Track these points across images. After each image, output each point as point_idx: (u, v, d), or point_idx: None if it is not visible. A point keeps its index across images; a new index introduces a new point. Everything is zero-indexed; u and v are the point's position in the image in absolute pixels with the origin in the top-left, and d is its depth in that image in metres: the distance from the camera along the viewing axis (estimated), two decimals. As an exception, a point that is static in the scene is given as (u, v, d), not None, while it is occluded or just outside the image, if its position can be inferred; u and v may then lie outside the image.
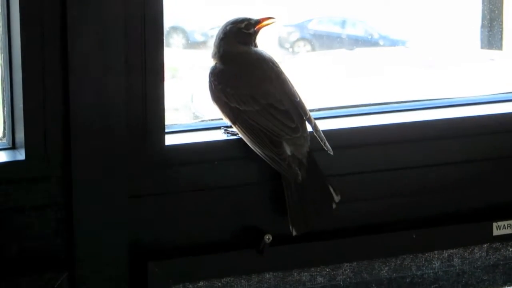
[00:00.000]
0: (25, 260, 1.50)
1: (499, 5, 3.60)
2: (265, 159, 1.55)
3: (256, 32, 1.61)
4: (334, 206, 1.57)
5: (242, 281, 1.62)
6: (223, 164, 1.58)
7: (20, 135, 1.47)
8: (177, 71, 2.67)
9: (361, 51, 4.21)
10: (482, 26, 3.66)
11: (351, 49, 4.14)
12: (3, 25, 1.47)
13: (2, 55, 1.49)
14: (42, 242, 1.50)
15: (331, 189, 1.56)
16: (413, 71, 3.62)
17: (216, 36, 1.61)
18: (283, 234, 1.57)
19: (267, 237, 1.54)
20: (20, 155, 1.48)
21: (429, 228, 1.66)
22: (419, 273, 1.72)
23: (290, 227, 1.55)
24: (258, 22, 1.59)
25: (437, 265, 1.70)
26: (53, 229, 1.51)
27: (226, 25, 1.61)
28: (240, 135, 1.56)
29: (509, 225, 1.63)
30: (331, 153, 1.55)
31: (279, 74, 1.60)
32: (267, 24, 1.60)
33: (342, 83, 3.33)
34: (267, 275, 1.63)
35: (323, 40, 4.20)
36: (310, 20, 4.19)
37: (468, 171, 1.65)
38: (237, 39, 1.59)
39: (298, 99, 1.58)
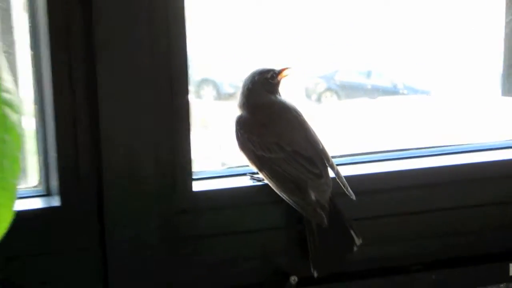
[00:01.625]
0: None
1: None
2: (291, 204, 1.54)
3: (279, 82, 1.60)
4: (355, 249, 1.55)
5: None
6: (249, 209, 1.57)
7: (54, 183, 1.47)
8: (207, 122, 2.68)
9: (385, 100, 4.20)
10: (503, 74, 3.65)
11: (374, 98, 4.13)
12: (34, 78, 1.47)
13: (36, 106, 1.48)
14: (77, 285, 1.50)
15: (353, 233, 1.54)
16: (435, 118, 3.61)
17: (243, 86, 1.60)
18: (308, 276, 1.55)
19: (293, 278, 1.53)
20: (55, 202, 1.47)
21: (449, 269, 1.64)
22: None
23: (312, 269, 1.53)
24: (279, 72, 1.59)
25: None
26: (88, 273, 1.50)
27: (253, 76, 1.60)
28: (266, 181, 1.55)
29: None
30: (354, 198, 1.53)
31: (302, 123, 1.59)
32: (287, 74, 1.60)
33: (365, 130, 3.32)
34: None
35: (348, 91, 4.20)
36: (336, 71, 4.19)
37: (484, 215, 1.63)
38: (264, 88, 1.58)
39: (321, 146, 1.58)
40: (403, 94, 4.45)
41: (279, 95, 1.61)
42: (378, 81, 4.44)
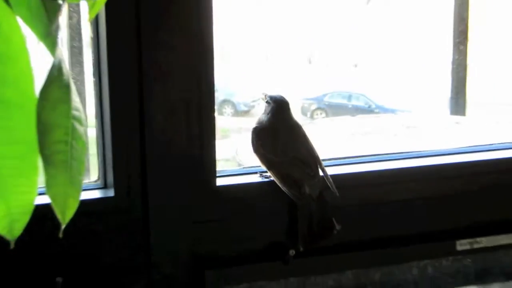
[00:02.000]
0: (111, 271, 1.51)
1: (463, 81, 3.57)
2: (290, 196, 1.54)
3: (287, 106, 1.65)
4: (335, 232, 1.56)
5: (273, 283, 1.61)
6: (259, 199, 1.57)
7: (109, 179, 1.47)
8: (227, 132, 2.69)
9: (362, 118, 4.26)
10: (451, 97, 3.64)
11: (354, 116, 4.20)
12: (96, 99, 1.48)
13: (96, 120, 1.49)
14: (124, 256, 1.50)
15: (334, 221, 1.55)
16: (399, 131, 3.64)
17: (269, 106, 1.63)
18: (304, 251, 1.57)
19: (291, 251, 1.53)
20: (110, 193, 1.47)
21: (409, 246, 1.64)
22: (402, 277, 1.71)
23: (299, 245, 1.55)
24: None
25: (416, 272, 1.68)
26: (134, 246, 1.51)
27: (278, 98, 1.63)
28: (273, 178, 1.56)
29: (467, 243, 1.61)
30: (337, 194, 1.55)
31: (303, 135, 1.61)
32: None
33: (347, 140, 3.36)
34: (292, 280, 1.61)
35: (334, 109, 4.26)
36: (325, 95, 4.24)
37: (435, 204, 1.64)
38: (283, 108, 1.61)
39: (315, 153, 1.59)
40: (375, 112, 4.48)
41: (288, 113, 1.63)
42: (356, 102, 4.48)
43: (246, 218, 1.57)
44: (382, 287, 1.74)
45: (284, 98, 1.62)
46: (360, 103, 4.67)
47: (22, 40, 0.78)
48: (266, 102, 1.60)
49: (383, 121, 4.22)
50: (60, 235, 0.85)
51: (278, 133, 1.59)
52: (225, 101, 3.50)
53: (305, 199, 1.54)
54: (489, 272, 1.75)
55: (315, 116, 4.09)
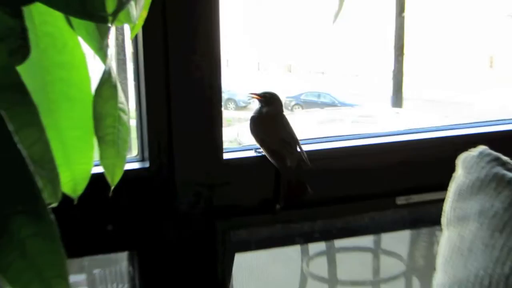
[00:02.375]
0: (146, 219, 1.52)
1: (400, 83, 3.58)
2: (276, 166, 1.54)
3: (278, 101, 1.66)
4: (308, 192, 1.56)
5: (264, 228, 1.61)
6: (254, 169, 1.57)
7: (146, 154, 1.47)
8: (231, 122, 2.69)
9: (328, 110, 4.24)
10: (392, 94, 3.64)
11: (322, 109, 4.19)
12: (136, 96, 1.48)
13: (136, 111, 1.49)
14: (156, 208, 1.51)
15: (308, 186, 1.55)
16: (355, 119, 3.65)
17: (267, 100, 1.62)
18: (286, 205, 1.56)
19: (277, 206, 1.53)
20: (146, 164, 1.47)
21: (363, 201, 1.63)
22: (357, 224, 1.71)
23: (278, 204, 1.55)
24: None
25: (367, 220, 1.68)
26: (163, 203, 1.51)
27: (276, 96, 1.63)
28: (264, 153, 1.55)
29: (404, 199, 1.61)
30: (309, 164, 1.54)
31: (286, 122, 1.60)
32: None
33: (317, 126, 3.35)
34: (277, 226, 1.61)
35: (308, 105, 4.25)
36: (301, 94, 4.23)
37: (382, 172, 1.63)
38: (278, 103, 1.61)
39: (295, 136, 1.58)
40: (338, 106, 4.48)
41: (276, 105, 1.62)
42: (324, 99, 4.48)
43: (244, 182, 1.56)
44: (343, 231, 1.74)
45: (276, 94, 1.61)
46: (327, 100, 4.71)
47: (82, 53, 0.78)
48: (263, 96, 1.59)
49: (344, 112, 4.28)
50: (110, 194, 0.85)
51: (269, 120, 1.59)
52: (229, 99, 3.56)
53: (286, 169, 1.53)
54: (420, 220, 1.75)
55: (294, 110, 4.14)
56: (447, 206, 1.12)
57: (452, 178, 1.15)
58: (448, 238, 1.08)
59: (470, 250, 0.99)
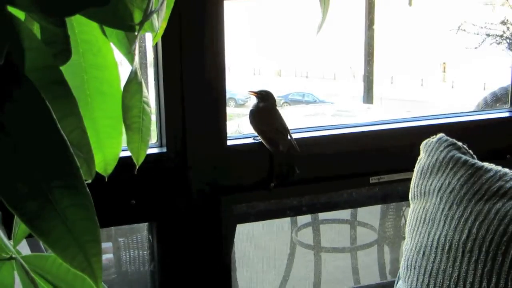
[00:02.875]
0: (164, 194, 1.51)
1: (371, 83, 3.60)
2: (271, 151, 1.53)
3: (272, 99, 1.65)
4: (295, 175, 1.55)
5: (261, 203, 1.60)
6: (252, 152, 1.56)
7: (164, 141, 1.46)
8: (232, 117, 2.68)
9: (311, 107, 4.25)
10: (363, 93, 3.65)
11: (307, 105, 4.20)
12: (156, 92, 1.47)
13: (156, 105, 1.47)
14: (172, 186, 1.50)
15: (296, 168, 1.54)
16: (334, 113, 3.65)
17: (263, 97, 1.61)
18: (279, 184, 1.55)
19: (272, 184, 1.52)
20: (164, 149, 1.47)
21: (342, 180, 1.63)
22: (338, 200, 1.71)
23: (271, 183, 1.54)
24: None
25: (345, 196, 1.69)
26: (178, 181, 1.50)
27: (270, 93, 1.61)
28: (261, 140, 1.53)
29: (376, 178, 1.61)
30: (298, 150, 1.53)
31: (279, 115, 1.59)
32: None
33: (303, 119, 3.35)
34: (272, 201, 1.61)
35: (295, 103, 4.27)
36: (289, 94, 4.25)
37: (358, 155, 1.62)
38: (272, 99, 1.60)
39: (286, 126, 1.57)
40: (319, 103, 4.49)
41: (271, 101, 1.61)
42: (308, 98, 4.49)
43: (244, 164, 1.55)
44: (326, 206, 1.74)
45: (270, 92, 1.60)
46: (309, 99, 4.73)
47: (113, 57, 0.78)
48: (259, 93, 1.58)
49: (324, 108, 4.28)
50: (135, 172, 0.85)
51: (265, 113, 1.57)
52: (230, 98, 3.60)
53: (279, 153, 1.53)
54: (389, 196, 1.75)
55: (283, 106, 4.15)
56: (412, 184, 1.12)
57: (417, 160, 1.15)
58: (414, 210, 1.07)
59: (433, 220, 0.98)
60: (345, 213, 2.73)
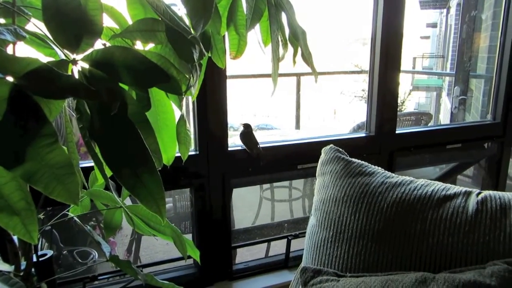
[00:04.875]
0: (193, 183, 1.45)
1: (298, 117, 3.54)
2: (250, 153, 1.48)
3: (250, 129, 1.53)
4: (261, 164, 1.48)
5: (244, 178, 1.55)
6: (240, 154, 1.49)
7: (197, 147, 1.40)
8: (231, 136, 2.58)
9: (270, 131, 4.10)
10: (295, 123, 3.56)
11: (268, 130, 4.04)
12: (193, 123, 1.43)
13: (193, 130, 1.41)
14: (199, 175, 1.45)
15: (261, 161, 1.48)
16: (280, 134, 3.53)
17: (247, 126, 1.49)
18: (253, 169, 1.50)
19: (250, 169, 1.49)
20: (197, 152, 1.39)
21: (285, 167, 1.56)
22: (282, 176, 1.65)
23: (249, 168, 1.48)
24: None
25: (285, 175, 1.63)
26: (201, 171, 1.42)
27: (249, 125, 1.46)
28: (245, 148, 1.48)
29: (301, 166, 1.56)
30: (263, 152, 1.48)
31: (254, 135, 1.50)
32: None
33: (262, 138, 3.23)
34: (251, 177, 1.55)
35: (261, 129, 4.11)
36: (259, 124, 4.10)
37: (292, 155, 1.54)
38: (250, 128, 1.49)
39: (257, 141, 1.49)
40: (273, 129, 4.43)
41: (250, 128, 1.53)
42: (267, 127, 4.43)
43: (238, 161, 1.50)
44: (276, 179, 1.69)
45: (249, 124, 1.54)
46: (269, 127, 4.70)
47: (171, 107, 0.77)
48: (244, 124, 1.52)
49: (275, 132, 4.23)
50: (183, 164, 0.83)
51: (247, 135, 1.51)
52: (230, 127, 3.50)
53: (253, 155, 1.49)
54: (308, 175, 1.68)
55: (256, 131, 4.02)
56: (318, 169, 1.11)
57: (319, 157, 1.14)
58: (318, 182, 1.07)
59: (327, 186, 0.98)
60: (286, 183, 2.75)
